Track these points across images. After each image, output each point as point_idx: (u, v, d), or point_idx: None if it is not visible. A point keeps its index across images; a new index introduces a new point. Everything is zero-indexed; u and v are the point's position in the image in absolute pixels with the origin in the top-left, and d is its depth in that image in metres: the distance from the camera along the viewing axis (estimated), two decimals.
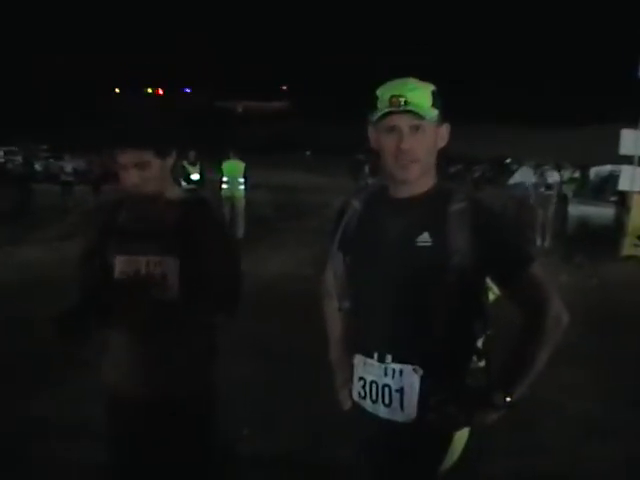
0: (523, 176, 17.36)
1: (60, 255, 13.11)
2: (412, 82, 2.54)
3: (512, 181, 17.97)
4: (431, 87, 2.57)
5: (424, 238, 2.51)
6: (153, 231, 3.06)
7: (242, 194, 16.75)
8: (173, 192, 3.18)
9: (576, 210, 17.35)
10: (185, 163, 16.20)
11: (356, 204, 2.77)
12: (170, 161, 3.11)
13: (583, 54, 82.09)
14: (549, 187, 16.65)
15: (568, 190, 19.74)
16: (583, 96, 74.30)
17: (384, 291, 2.56)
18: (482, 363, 2.64)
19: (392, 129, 2.51)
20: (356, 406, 2.76)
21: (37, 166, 36.30)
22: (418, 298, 2.52)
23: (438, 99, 2.55)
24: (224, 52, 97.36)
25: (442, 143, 2.62)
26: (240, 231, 16.09)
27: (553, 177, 16.91)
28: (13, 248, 14.24)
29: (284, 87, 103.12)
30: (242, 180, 16.84)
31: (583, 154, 36.24)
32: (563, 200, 18.27)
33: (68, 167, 26.39)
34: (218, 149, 18.33)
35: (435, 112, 2.53)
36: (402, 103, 2.47)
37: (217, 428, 3.25)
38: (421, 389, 2.53)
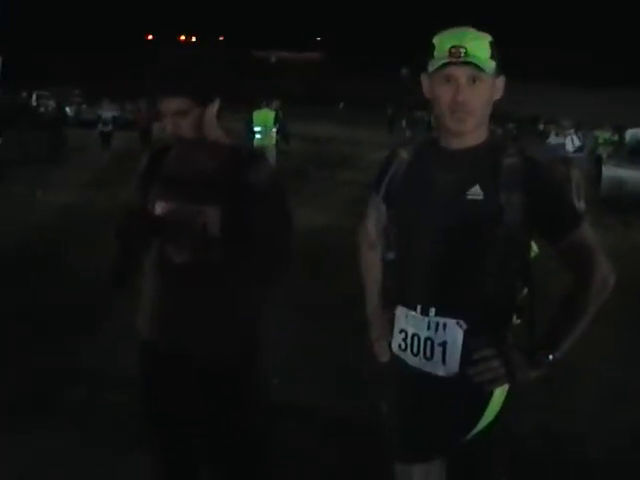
0: (552, 138, 17.26)
1: (92, 200, 13.23)
2: (471, 32, 2.47)
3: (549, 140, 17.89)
4: (489, 38, 2.50)
5: (475, 191, 2.47)
6: (194, 179, 2.99)
7: (274, 143, 16.68)
8: (219, 140, 3.09)
9: (611, 172, 17.16)
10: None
11: (404, 155, 2.72)
12: (212, 108, 3.01)
13: (623, 11, 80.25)
14: (580, 149, 16.51)
15: (604, 152, 19.52)
16: (622, 56, 73.11)
17: (431, 243, 2.53)
18: (518, 320, 2.63)
19: (449, 80, 2.45)
20: (395, 358, 2.73)
21: (68, 110, 36.33)
22: (466, 251, 2.50)
23: (496, 50, 2.48)
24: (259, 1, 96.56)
25: (497, 96, 2.56)
26: None
27: (577, 142, 16.72)
28: (46, 192, 14.31)
29: (318, 38, 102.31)
30: (275, 130, 16.81)
31: (621, 115, 35.75)
32: (597, 162, 18.07)
33: (107, 114, 23.50)
34: (252, 98, 18.23)
35: (493, 64, 2.46)
36: (462, 54, 2.40)
37: (257, 381, 3.21)
38: (464, 343, 2.51)
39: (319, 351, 6.01)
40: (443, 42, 2.46)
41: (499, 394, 2.57)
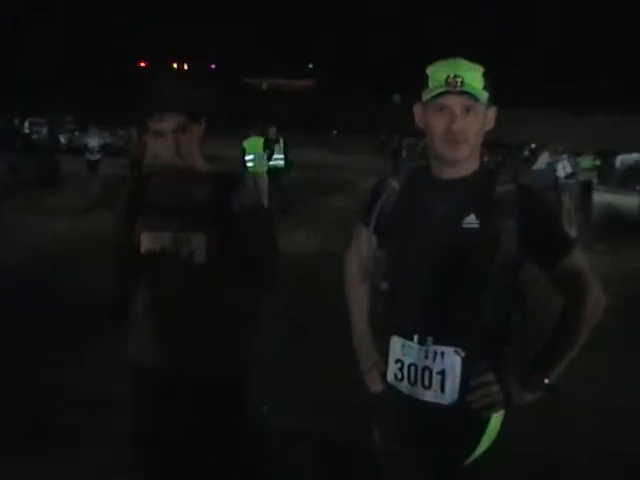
0: (540, 163, 17.35)
1: (85, 227, 13.24)
2: (465, 63, 2.50)
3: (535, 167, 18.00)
4: (482, 69, 2.53)
5: (471, 220, 2.49)
6: (179, 206, 3.01)
7: (265, 170, 16.69)
8: (202, 167, 3.12)
9: (601, 198, 17.27)
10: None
11: (394, 184, 2.72)
12: (199, 130, 3.04)
13: (611, 38, 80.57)
14: (571, 175, 16.59)
15: (593, 178, 19.59)
16: (610, 81, 73.34)
17: (427, 272, 2.54)
18: (507, 346, 2.64)
19: (443, 109, 2.47)
20: (389, 388, 2.73)
21: (62, 138, 36.30)
22: (462, 280, 2.51)
23: (488, 81, 2.52)
24: (252, 29, 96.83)
25: (489, 126, 2.59)
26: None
27: (569, 168, 16.79)
28: (39, 219, 14.31)
29: (310, 65, 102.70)
30: (265, 157, 16.85)
31: (609, 141, 35.89)
32: (586, 188, 18.15)
33: (93, 142, 22.38)
34: (244, 125, 18.31)
35: (486, 94, 2.49)
36: (459, 84, 2.42)
37: (245, 405, 3.22)
38: (462, 371, 2.53)
39: (309, 376, 5.98)
40: (438, 72, 2.48)
41: (495, 420, 2.58)
